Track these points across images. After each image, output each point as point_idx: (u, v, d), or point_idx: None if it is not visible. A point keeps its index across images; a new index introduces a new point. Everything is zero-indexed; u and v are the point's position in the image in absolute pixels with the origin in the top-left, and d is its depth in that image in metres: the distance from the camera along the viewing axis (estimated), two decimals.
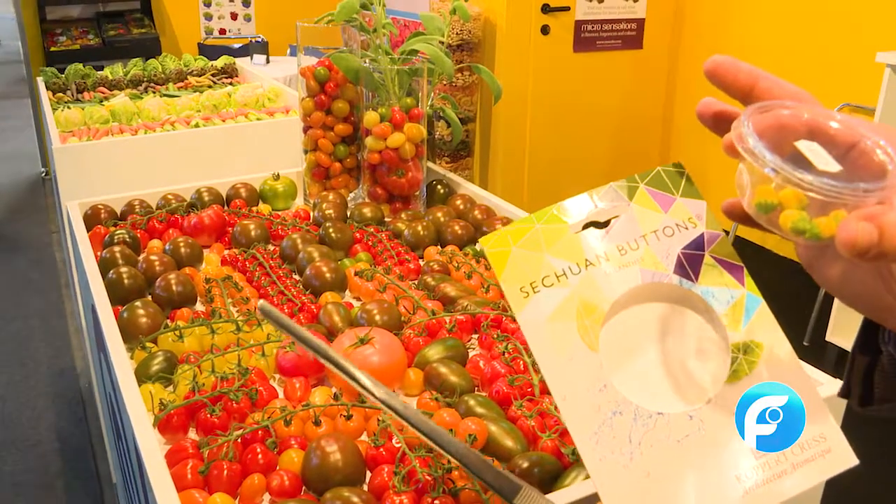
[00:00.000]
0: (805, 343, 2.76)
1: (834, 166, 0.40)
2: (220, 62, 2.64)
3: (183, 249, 1.17)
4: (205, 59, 2.74)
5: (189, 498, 0.69)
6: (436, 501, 0.67)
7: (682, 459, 0.48)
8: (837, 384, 0.79)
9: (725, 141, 0.43)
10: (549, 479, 0.70)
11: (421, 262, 1.17)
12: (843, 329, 2.68)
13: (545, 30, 3.44)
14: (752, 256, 3.38)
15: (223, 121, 2.02)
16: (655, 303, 0.52)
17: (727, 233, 0.53)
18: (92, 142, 1.80)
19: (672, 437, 0.48)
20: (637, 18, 3.58)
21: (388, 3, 1.48)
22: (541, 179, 3.65)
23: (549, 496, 0.62)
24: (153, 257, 1.13)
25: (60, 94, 2.34)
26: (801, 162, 0.40)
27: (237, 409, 0.80)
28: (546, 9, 3.40)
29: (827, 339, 2.70)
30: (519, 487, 0.58)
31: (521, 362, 0.86)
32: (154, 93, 2.35)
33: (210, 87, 2.45)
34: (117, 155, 1.70)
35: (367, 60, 1.31)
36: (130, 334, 0.95)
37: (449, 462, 0.70)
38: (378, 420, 0.76)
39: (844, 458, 0.48)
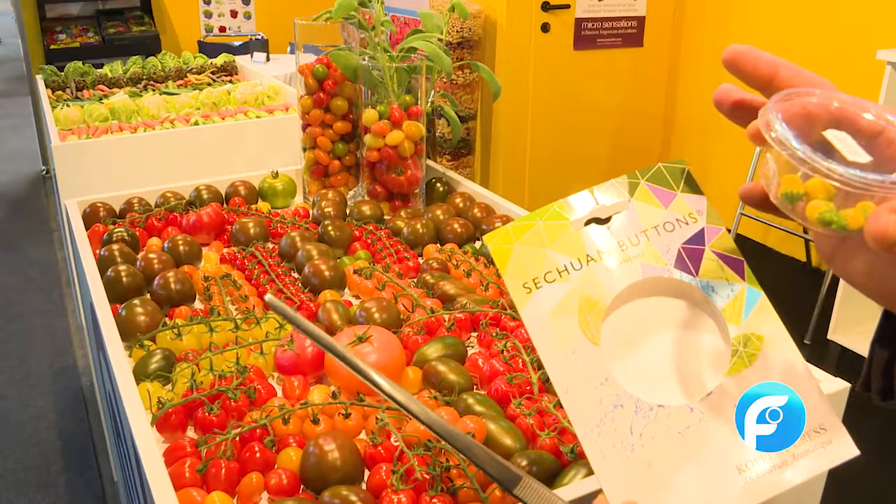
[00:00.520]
0: (807, 341, 2.75)
1: (863, 157, 0.39)
2: (220, 60, 2.64)
3: (182, 247, 1.17)
4: (204, 56, 2.74)
5: (187, 497, 0.68)
6: (434, 500, 0.67)
7: (684, 451, 0.48)
8: (837, 382, 0.79)
9: (751, 129, 0.42)
10: (548, 478, 0.70)
11: (420, 261, 1.17)
12: (845, 327, 2.68)
13: (545, 27, 3.44)
14: (752, 254, 3.38)
15: (222, 119, 2.02)
16: (656, 297, 0.52)
17: (728, 231, 0.53)
18: (91, 140, 1.80)
19: (673, 428, 0.49)
20: (637, 16, 3.57)
21: (389, 1, 1.47)
22: (542, 177, 3.65)
23: None
24: (152, 255, 1.12)
25: (60, 92, 2.34)
26: (829, 151, 0.39)
27: (235, 407, 0.80)
28: (546, 6, 3.40)
29: (829, 337, 2.70)
30: (520, 478, 0.58)
31: (520, 360, 0.86)
32: (153, 91, 2.35)
33: (209, 84, 2.45)
34: (117, 153, 1.70)
35: (365, 58, 1.30)
36: (129, 332, 0.95)
37: (447, 460, 0.70)
38: (376, 418, 0.76)
39: (845, 448, 0.49)
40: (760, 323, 0.51)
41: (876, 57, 2.39)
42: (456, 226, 1.24)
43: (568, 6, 3.43)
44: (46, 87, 2.37)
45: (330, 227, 1.21)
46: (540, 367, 0.84)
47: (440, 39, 1.33)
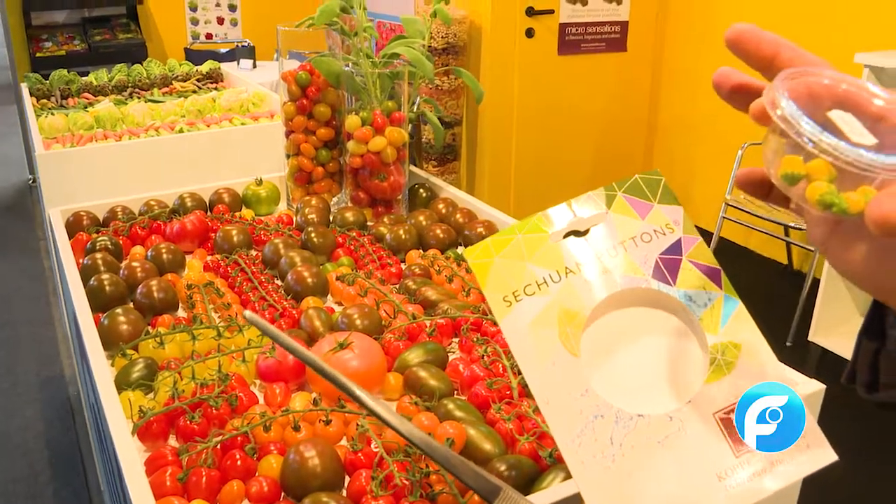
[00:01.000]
0: (788, 343, 2.77)
1: (869, 139, 0.39)
2: (205, 67, 2.63)
3: (165, 256, 1.17)
4: (190, 64, 2.74)
5: None
6: None
7: (664, 460, 0.49)
8: (813, 383, 0.79)
9: (755, 107, 0.41)
10: (527, 482, 0.71)
11: (403, 266, 1.18)
12: (826, 329, 2.70)
13: (530, 33, 3.45)
14: (735, 257, 3.40)
15: (207, 126, 2.02)
16: (635, 308, 0.53)
17: (710, 234, 0.54)
18: (76, 148, 1.80)
19: (653, 438, 0.49)
20: (621, 21, 3.60)
21: (374, 7, 1.48)
22: (527, 181, 3.66)
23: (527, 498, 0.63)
24: (135, 264, 1.12)
25: (45, 101, 2.33)
26: (834, 132, 0.39)
27: (217, 415, 0.80)
28: (530, 12, 3.41)
29: (809, 339, 2.72)
30: (499, 490, 0.58)
31: (500, 365, 0.87)
32: (139, 98, 2.35)
33: (195, 92, 2.45)
34: (101, 161, 1.69)
35: (348, 64, 1.31)
36: (111, 342, 0.95)
37: (427, 466, 0.70)
38: (357, 425, 0.77)
39: (823, 454, 0.49)
40: (738, 331, 0.51)
41: (854, 60, 2.41)
42: (438, 231, 1.25)
43: (552, 11, 3.44)
44: (31, 95, 2.36)
45: (313, 234, 1.22)
46: (520, 372, 0.85)
47: (423, 45, 1.34)
